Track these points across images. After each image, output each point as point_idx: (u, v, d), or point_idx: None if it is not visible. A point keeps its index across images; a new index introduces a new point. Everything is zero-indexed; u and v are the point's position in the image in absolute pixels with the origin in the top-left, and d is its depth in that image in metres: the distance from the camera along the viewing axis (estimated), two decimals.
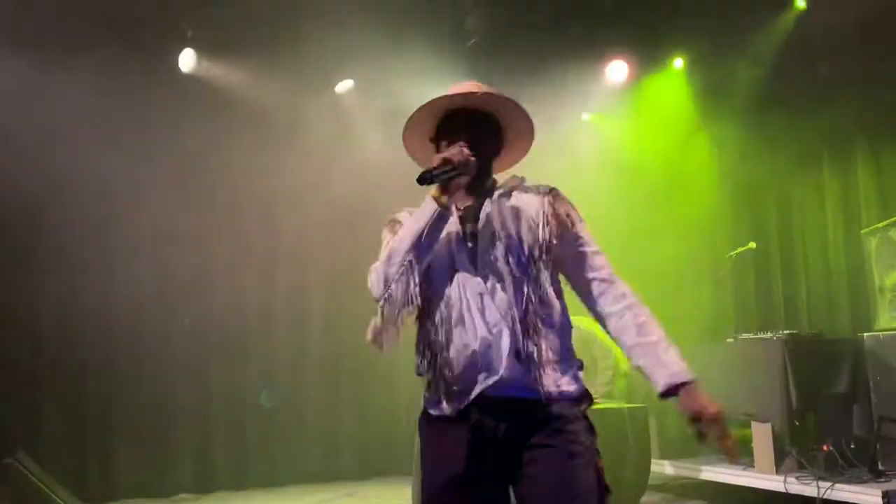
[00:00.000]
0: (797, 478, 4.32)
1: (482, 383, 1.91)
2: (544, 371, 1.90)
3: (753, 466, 4.67)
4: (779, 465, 4.52)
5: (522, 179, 2.12)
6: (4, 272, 5.46)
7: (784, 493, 4.37)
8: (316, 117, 6.59)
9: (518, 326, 1.91)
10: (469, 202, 2.04)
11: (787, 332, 4.84)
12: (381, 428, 6.73)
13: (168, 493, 6.01)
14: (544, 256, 1.98)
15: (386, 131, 6.90)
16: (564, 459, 1.90)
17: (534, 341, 1.91)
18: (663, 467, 5.33)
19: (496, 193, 2.05)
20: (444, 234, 1.96)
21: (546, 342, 1.92)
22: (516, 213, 2.02)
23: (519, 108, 2.10)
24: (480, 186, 2.06)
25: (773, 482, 4.47)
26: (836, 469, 4.28)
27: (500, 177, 2.15)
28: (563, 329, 2.00)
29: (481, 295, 1.93)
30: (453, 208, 1.99)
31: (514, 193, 2.07)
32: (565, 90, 7.21)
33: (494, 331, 1.90)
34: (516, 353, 1.90)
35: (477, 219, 2.00)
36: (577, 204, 2.13)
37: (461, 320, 1.93)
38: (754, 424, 4.68)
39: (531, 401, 1.90)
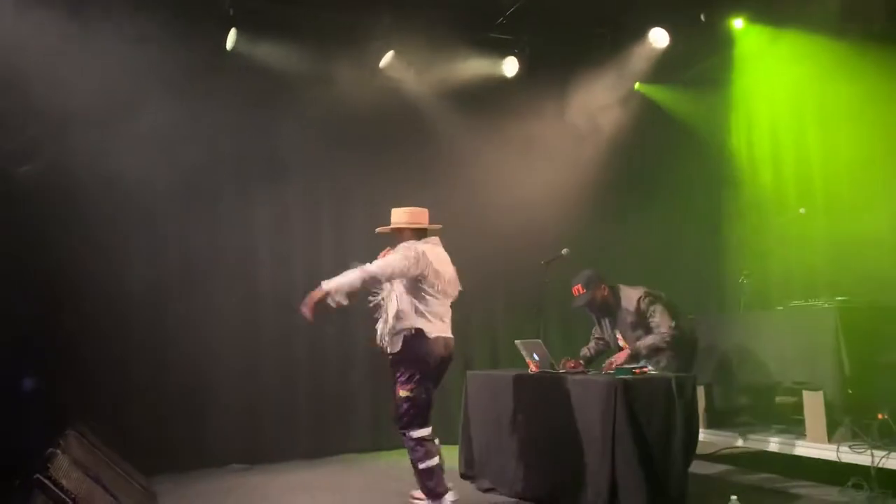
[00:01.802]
0: (850, 447, 4.24)
1: None
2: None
3: (805, 435, 4.59)
4: (831, 434, 4.44)
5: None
6: (51, 249, 5.62)
7: (837, 463, 4.29)
8: (359, 90, 6.60)
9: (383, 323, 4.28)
10: None
11: (841, 298, 4.71)
12: None
13: (219, 463, 6.18)
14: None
15: (431, 102, 6.93)
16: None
17: (385, 329, 4.25)
18: (711, 436, 5.29)
19: None
20: None
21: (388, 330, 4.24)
22: None
23: (403, 223, 4.38)
24: None
25: (825, 451, 4.40)
26: (891, 438, 4.18)
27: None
28: (396, 325, 4.20)
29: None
30: None
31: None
32: (612, 60, 7.10)
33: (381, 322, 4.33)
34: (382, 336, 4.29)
35: None
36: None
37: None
38: (806, 393, 4.60)
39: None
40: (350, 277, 3.95)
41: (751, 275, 5.90)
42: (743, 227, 7.14)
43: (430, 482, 4.05)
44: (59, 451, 3.79)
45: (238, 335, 6.43)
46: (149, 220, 6.17)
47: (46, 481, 3.12)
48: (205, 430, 6.22)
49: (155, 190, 6.09)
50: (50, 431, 4.68)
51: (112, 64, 5.61)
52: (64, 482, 3.22)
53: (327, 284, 3.93)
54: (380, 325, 4.29)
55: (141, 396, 6.03)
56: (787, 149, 6.75)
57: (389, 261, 4.08)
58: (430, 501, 4.05)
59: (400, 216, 4.37)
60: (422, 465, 4.04)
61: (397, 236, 4.34)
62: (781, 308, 5.11)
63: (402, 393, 4.09)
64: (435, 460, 4.09)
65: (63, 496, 3.06)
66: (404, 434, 4.10)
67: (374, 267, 4.02)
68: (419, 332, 4.14)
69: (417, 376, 4.11)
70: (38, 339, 5.47)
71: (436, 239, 4.42)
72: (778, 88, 6.75)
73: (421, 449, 4.06)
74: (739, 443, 5.09)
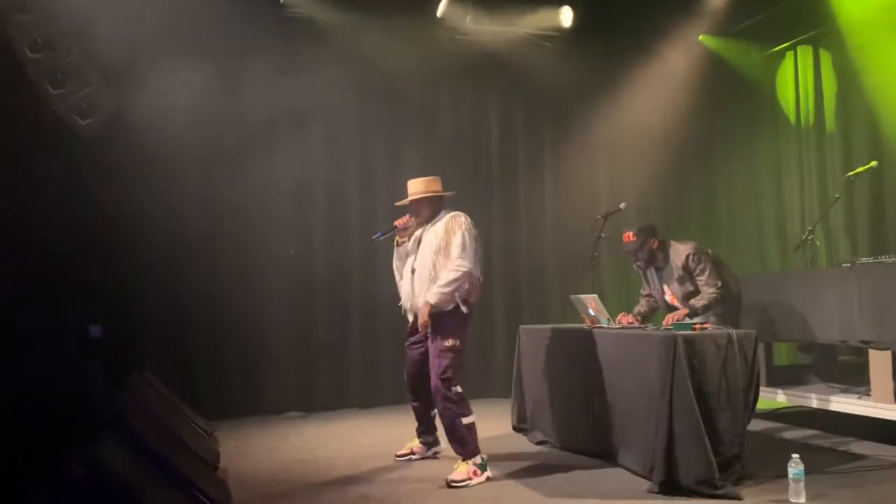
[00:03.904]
0: None
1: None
2: None
3: (870, 395, 4.47)
4: None
5: (445, 214, 4.23)
6: (114, 200, 5.74)
7: None
8: (415, 38, 6.52)
9: (421, 286, 4.13)
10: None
11: None
12: (478, 353, 6.83)
13: (277, 410, 6.33)
14: (436, 252, 4.11)
15: (488, 50, 6.80)
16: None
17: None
18: (772, 394, 5.19)
19: (432, 223, 4.23)
20: (410, 244, 4.33)
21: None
22: (432, 233, 4.19)
23: (429, 192, 4.28)
24: (431, 224, 4.24)
25: (891, 412, 4.28)
26: None
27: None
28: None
29: (414, 271, 4.22)
30: (418, 232, 4.30)
31: (437, 223, 4.20)
32: (675, 8, 6.86)
33: (413, 288, 4.21)
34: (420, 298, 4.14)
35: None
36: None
37: (404, 282, 4.32)
38: (872, 352, 4.45)
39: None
40: (453, 283, 4.00)
41: (816, 231, 5.70)
42: (809, 183, 6.91)
43: (471, 437, 4.03)
44: (126, 392, 3.92)
45: (293, 286, 6.54)
46: (205, 168, 6.25)
47: (117, 420, 3.23)
48: (262, 379, 6.38)
49: (211, 138, 6.20)
50: (115, 375, 4.85)
51: (171, 15, 5.65)
52: (133, 421, 3.32)
53: (435, 297, 4.01)
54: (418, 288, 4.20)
55: (200, 344, 6.21)
56: (857, 99, 6.45)
57: (468, 247, 4.07)
58: (469, 459, 4.00)
59: (433, 185, 4.29)
60: (466, 420, 4.02)
61: (423, 210, 4.26)
62: (848, 265, 4.93)
63: (449, 343, 4.04)
64: (474, 416, 4.09)
65: (133, 434, 3.17)
66: (448, 390, 4.02)
67: (465, 264, 4.04)
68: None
69: (462, 330, 4.16)
70: (101, 288, 5.63)
71: None
72: (850, 35, 6.43)
73: (464, 403, 4.06)
74: (800, 401, 4.99)
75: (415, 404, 4.50)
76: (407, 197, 4.32)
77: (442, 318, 4.06)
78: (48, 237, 5.29)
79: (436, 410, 4.32)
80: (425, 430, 4.57)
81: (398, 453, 4.59)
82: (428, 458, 4.55)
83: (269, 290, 6.45)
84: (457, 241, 4.05)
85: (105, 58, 5.40)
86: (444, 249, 4.07)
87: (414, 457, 4.56)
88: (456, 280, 4.01)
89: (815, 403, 4.85)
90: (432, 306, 4.00)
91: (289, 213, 6.57)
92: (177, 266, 6.14)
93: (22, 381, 4.50)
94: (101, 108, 5.29)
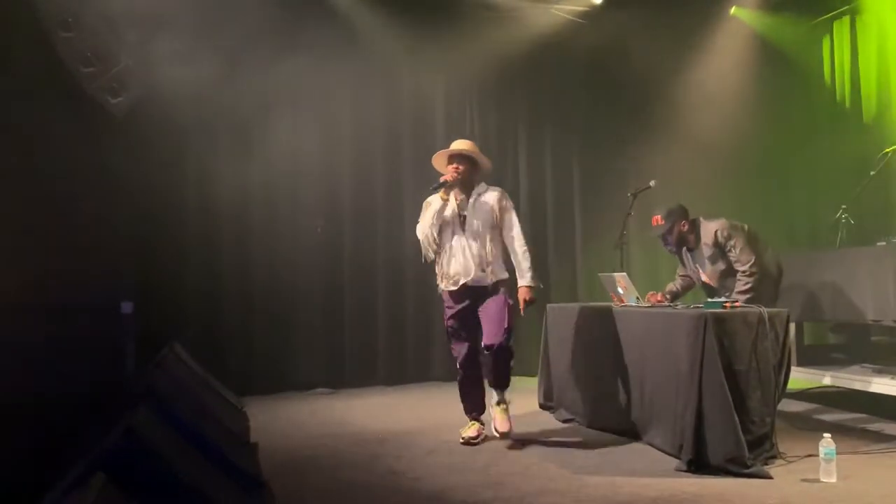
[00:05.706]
0: None
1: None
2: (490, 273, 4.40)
3: None
4: None
5: (487, 187, 4.48)
6: (145, 177, 5.79)
7: None
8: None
9: (480, 257, 4.36)
10: (463, 197, 4.43)
11: None
12: None
13: (305, 387, 6.40)
14: (492, 226, 4.40)
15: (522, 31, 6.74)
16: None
17: (485, 262, 4.36)
18: (803, 374, 5.13)
19: (475, 194, 4.43)
20: (448, 213, 4.40)
21: (491, 263, 4.38)
22: (483, 205, 4.40)
23: (476, 154, 4.48)
24: (470, 189, 4.43)
25: None
26: None
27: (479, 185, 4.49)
28: (499, 255, 4.44)
29: (465, 242, 4.40)
30: (453, 200, 4.41)
31: (483, 194, 4.43)
32: None
33: (471, 259, 4.38)
34: (480, 268, 4.37)
35: (465, 207, 4.42)
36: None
37: (455, 254, 4.41)
38: None
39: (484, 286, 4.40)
40: (529, 257, 4.43)
41: (850, 209, 5.59)
42: (842, 159, 6.76)
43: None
44: (159, 368, 3.98)
45: (321, 264, 6.58)
46: (235, 145, 6.28)
47: (150, 394, 3.28)
48: (290, 356, 6.45)
49: (241, 117, 6.22)
50: (147, 351, 4.92)
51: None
52: (165, 396, 3.38)
53: (532, 280, 4.39)
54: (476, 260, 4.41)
55: (230, 321, 6.28)
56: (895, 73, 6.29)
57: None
58: (503, 390, 4.45)
59: (478, 152, 4.50)
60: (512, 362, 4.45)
61: (468, 167, 4.43)
62: (884, 243, 4.83)
63: (511, 301, 4.37)
64: None
65: (166, 408, 3.22)
66: (510, 339, 4.32)
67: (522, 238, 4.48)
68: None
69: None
70: (133, 265, 5.71)
71: None
72: (888, 6, 6.26)
73: None
74: (832, 381, 4.92)
75: (472, 380, 4.47)
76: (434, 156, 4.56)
77: (505, 282, 4.41)
78: (80, 214, 5.35)
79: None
80: (481, 412, 4.49)
81: (469, 437, 4.36)
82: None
83: (298, 267, 6.50)
84: (512, 219, 4.44)
85: (138, 40, 5.42)
86: (496, 228, 4.41)
87: (477, 440, 4.37)
88: (530, 255, 4.45)
89: (847, 384, 4.79)
90: (531, 288, 4.37)
91: (317, 191, 6.60)
92: (207, 243, 6.21)
93: (55, 358, 4.59)
94: (132, 87, 5.32)
